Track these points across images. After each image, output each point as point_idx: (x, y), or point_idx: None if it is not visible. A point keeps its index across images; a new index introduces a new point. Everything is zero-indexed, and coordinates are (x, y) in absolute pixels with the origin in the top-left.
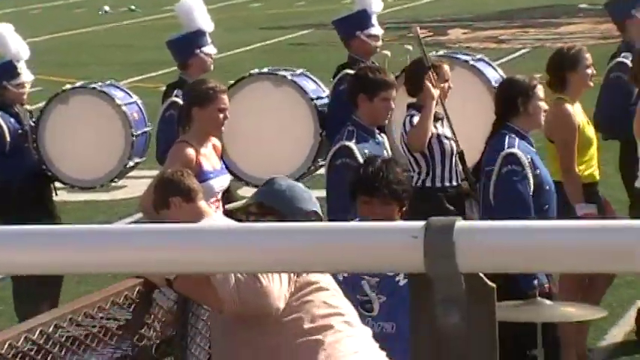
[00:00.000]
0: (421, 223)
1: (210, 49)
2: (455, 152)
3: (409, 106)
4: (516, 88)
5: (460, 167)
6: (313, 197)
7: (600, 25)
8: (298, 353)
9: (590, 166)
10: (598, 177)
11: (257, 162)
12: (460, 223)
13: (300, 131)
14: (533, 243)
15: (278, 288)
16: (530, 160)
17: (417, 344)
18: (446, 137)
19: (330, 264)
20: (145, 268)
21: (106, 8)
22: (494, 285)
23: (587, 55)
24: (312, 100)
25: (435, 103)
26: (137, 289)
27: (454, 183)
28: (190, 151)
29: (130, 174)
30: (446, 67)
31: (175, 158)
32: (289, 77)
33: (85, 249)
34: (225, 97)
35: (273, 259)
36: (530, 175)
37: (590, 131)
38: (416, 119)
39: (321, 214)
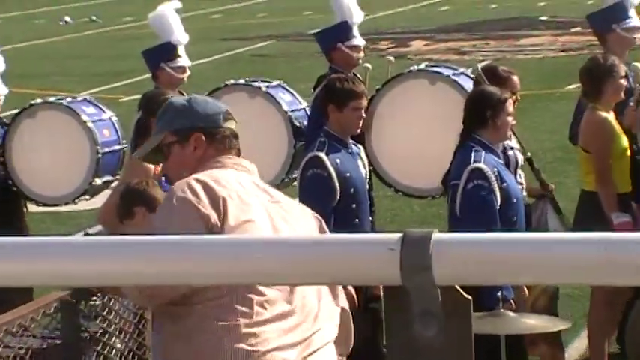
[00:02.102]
0: (398, 235)
1: (181, 61)
2: (520, 164)
3: None
4: (486, 101)
5: (523, 178)
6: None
7: (560, 37)
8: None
9: (624, 175)
10: (630, 187)
11: None
12: (437, 235)
13: (274, 143)
14: (510, 255)
15: None
16: (496, 173)
17: (393, 356)
18: (511, 148)
19: (306, 276)
20: (103, 280)
21: (67, 18)
22: (470, 297)
23: (622, 66)
24: (286, 112)
25: None
26: (54, 305)
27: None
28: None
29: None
30: (515, 78)
31: (134, 170)
32: (264, 89)
33: (45, 261)
34: None
35: (246, 271)
36: (496, 189)
37: (624, 140)
38: None
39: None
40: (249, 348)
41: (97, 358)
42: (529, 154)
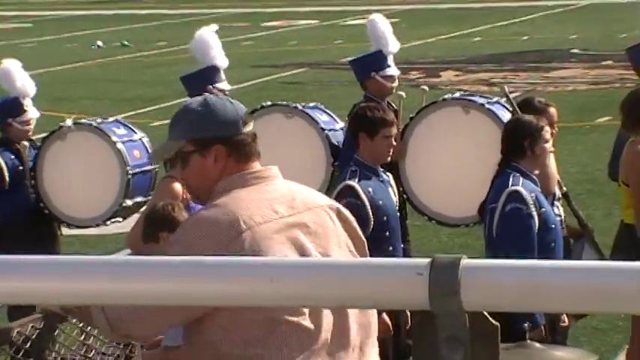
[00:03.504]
0: (426, 260)
1: (223, 85)
2: (557, 196)
3: None
4: (523, 130)
5: (561, 211)
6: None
7: (591, 70)
8: None
9: None
10: None
11: None
12: (466, 260)
13: (312, 162)
14: (538, 282)
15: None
16: (534, 198)
17: None
18: None
19: (334, 299)
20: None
21: (99, 43)
22: (497, 324)
23: None
24: (324, 130)
25: None
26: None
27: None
28: (177, 186)
29: None
30: (552, 110)
31: (163, 194)
32: (300, 108)
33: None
34: None
35: (276, 293)
36: (534, 213)
37: None
38: None
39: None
40: None
41: None
42: (565, 188)
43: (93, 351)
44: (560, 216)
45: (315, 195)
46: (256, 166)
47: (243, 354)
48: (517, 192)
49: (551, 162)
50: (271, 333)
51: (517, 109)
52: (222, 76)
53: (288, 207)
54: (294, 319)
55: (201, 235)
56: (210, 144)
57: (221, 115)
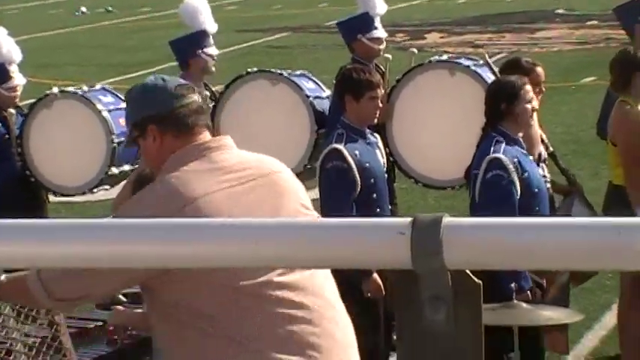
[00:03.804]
0: (408, 219)
1: (212, 50)
2: (543, 158)
3: None
4: (501, 93)
5: (546, 172)
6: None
7: (577, 30)
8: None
9: None
10: None
11: None
12: (447, 219)
13: (296, 129)
14: (521, 240)
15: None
16: (517, 163)
17: (403, 341)
18: None
19: (317, 260)
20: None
21: (83, 9)
22: (480, 282)
23: None
24: (309, 97)
25: None
26: None
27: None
28: None
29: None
30: (539, 69)
31: None
32: (286, 75)
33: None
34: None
35: (259, 254)
36: (516, 179)
37: None
38: None
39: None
40: None
41: None
42: (551, 148)
43: (15, 332)
44: (545, 177)
45: (272, 162)
46: (204, 137)
47: (204, 321)
48: (498, 159)
49: (535, 122)
50: (235, 303)
51: (498, 75)
52: (211, 40)
53: (239, 176)
54: (258, 289)
55: (143, 210)
56: (145, 125)
57: (150, 95)
